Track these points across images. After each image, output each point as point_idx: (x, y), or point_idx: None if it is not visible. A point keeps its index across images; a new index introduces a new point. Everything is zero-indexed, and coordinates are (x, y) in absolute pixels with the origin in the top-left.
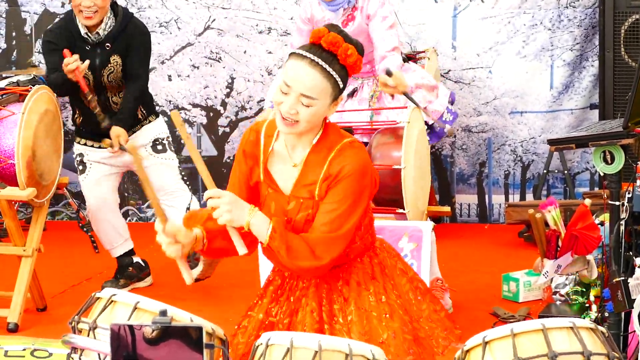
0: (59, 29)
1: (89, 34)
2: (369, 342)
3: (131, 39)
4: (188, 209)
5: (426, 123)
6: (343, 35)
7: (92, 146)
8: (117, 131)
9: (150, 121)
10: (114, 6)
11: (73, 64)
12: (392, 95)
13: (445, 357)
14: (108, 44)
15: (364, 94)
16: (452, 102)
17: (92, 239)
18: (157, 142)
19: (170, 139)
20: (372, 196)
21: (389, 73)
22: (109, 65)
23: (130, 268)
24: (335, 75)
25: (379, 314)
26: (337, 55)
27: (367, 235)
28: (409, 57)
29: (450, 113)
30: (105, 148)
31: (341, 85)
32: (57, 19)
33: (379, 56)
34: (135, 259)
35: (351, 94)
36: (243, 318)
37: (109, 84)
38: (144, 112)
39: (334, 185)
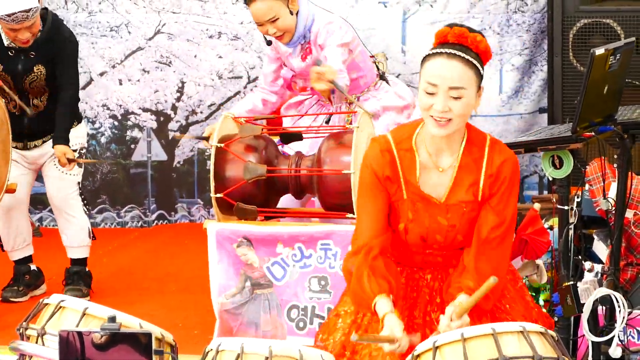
0: None
1: (13, 43)
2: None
3: (58, 49)
4: (91, 236)
5: None
6: (466, 27)
7: (15, 147)
8: (61, 150)
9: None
10: (44, 12)
11: None
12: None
13: None
14: (33, 52)
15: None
16: None
17: None
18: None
19: (85, 150)
20: None
21: (317, 63)
22: (32, 74)
23: (27, 276)
24: (475, 62)
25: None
26: (468, 45)
27: None
28: None
29: None
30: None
31: (482, 72)
32: None
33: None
34: (32, 266)
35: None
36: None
37: (30, 89)
38: None
39: (500, 187)
